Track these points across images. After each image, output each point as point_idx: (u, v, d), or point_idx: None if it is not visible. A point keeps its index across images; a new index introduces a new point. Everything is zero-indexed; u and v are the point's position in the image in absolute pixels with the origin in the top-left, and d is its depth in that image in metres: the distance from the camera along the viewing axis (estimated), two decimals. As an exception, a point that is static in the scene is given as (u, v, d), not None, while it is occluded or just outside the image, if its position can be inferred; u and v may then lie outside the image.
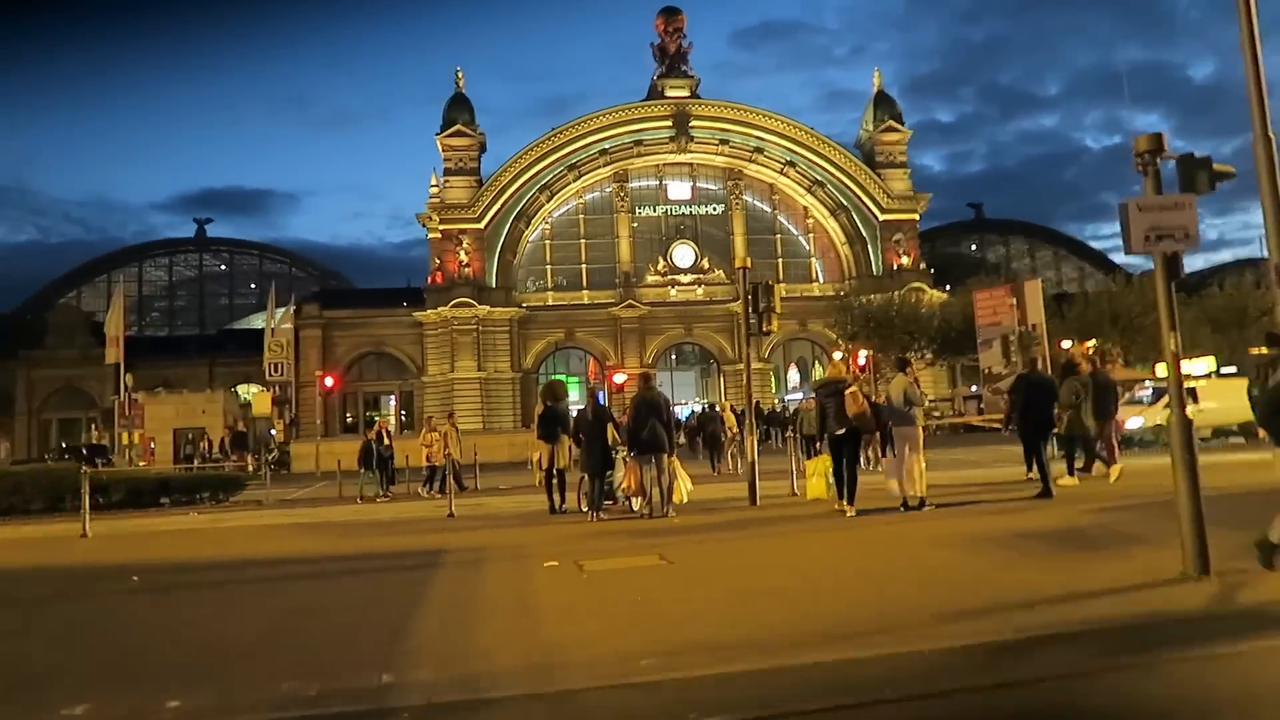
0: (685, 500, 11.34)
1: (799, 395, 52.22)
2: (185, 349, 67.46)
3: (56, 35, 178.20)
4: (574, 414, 12.17)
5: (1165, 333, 6.41)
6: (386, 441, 18.23)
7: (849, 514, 11.52)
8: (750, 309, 11.88)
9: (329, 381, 32.77)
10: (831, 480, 11.64)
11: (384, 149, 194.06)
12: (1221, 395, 21.98)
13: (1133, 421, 22.64)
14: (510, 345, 57.30)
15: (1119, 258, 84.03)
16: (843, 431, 11.76)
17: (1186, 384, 24.62)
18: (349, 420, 58.05)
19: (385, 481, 17.89)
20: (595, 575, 7.20)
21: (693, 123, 58.73)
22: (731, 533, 9.39)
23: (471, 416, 52.45)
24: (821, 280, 60.43)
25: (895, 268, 57.04)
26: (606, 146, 58.87)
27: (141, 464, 26.91)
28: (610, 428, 11.52)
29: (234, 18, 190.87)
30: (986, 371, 23.62)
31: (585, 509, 11.40)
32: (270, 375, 31.68)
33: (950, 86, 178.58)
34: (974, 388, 40.53)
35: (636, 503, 11.22)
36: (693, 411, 40.55)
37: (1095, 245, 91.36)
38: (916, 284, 54.09)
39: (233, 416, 35.34)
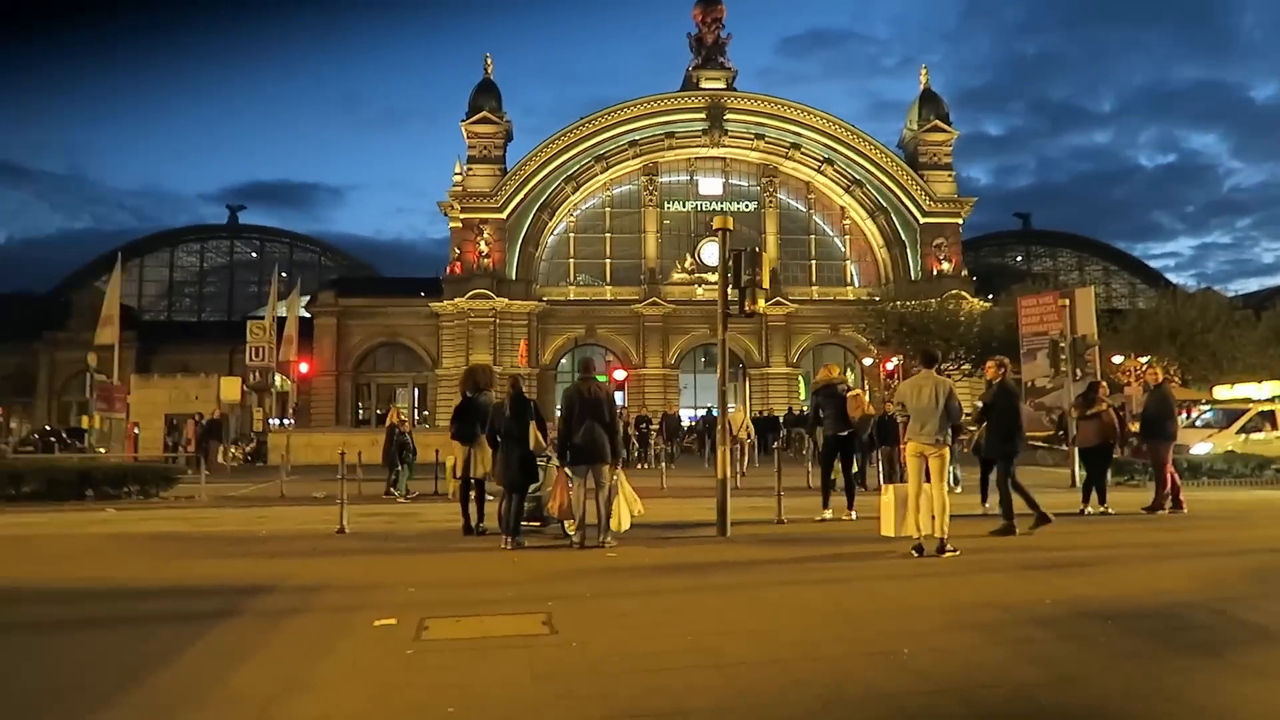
0: (627, 528, 8.83)
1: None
2: (208, 334, 66.99)
3: (117, 30, 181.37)
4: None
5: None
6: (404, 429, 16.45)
7: (845, 519, 10.27)
8: (730, 282, 9.44)
9: (304, 368, 30.89)
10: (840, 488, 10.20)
11: (430, 147, 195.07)
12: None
13: (1200, 447, 19.85)
14: (529, 339, 55.24)
15: (1175, 276, 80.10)
16: (845, 434, 10.39)
17: (1264, 407, 21.62)
18: (360, 413, 56.51)
19: (401, 478, 15.79)
20: (429, 649, 4.86)
21: (727, 116, 56.19)
22: (676, 580, 6.89)
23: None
24: (857, 284, 57.51)
25: (935, 273, 53.96)
26: (636, 138, 56.55)
27: (102, 451, 25.13)
28: (533, 428, 8.85)
29: (290, 16, 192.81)
30: (1030, 385, 20.81)
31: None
32: (251, 360, 29.81)
33: (1000, 100, 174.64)
34: (1015, 403, 37.47)
35: (570, 526, 8.78)
36: (700, 415, 38.33)
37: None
38: (957, 291, 50.96)
39: (218, 404, 33.62)
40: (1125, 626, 5.23)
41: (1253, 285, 62.08)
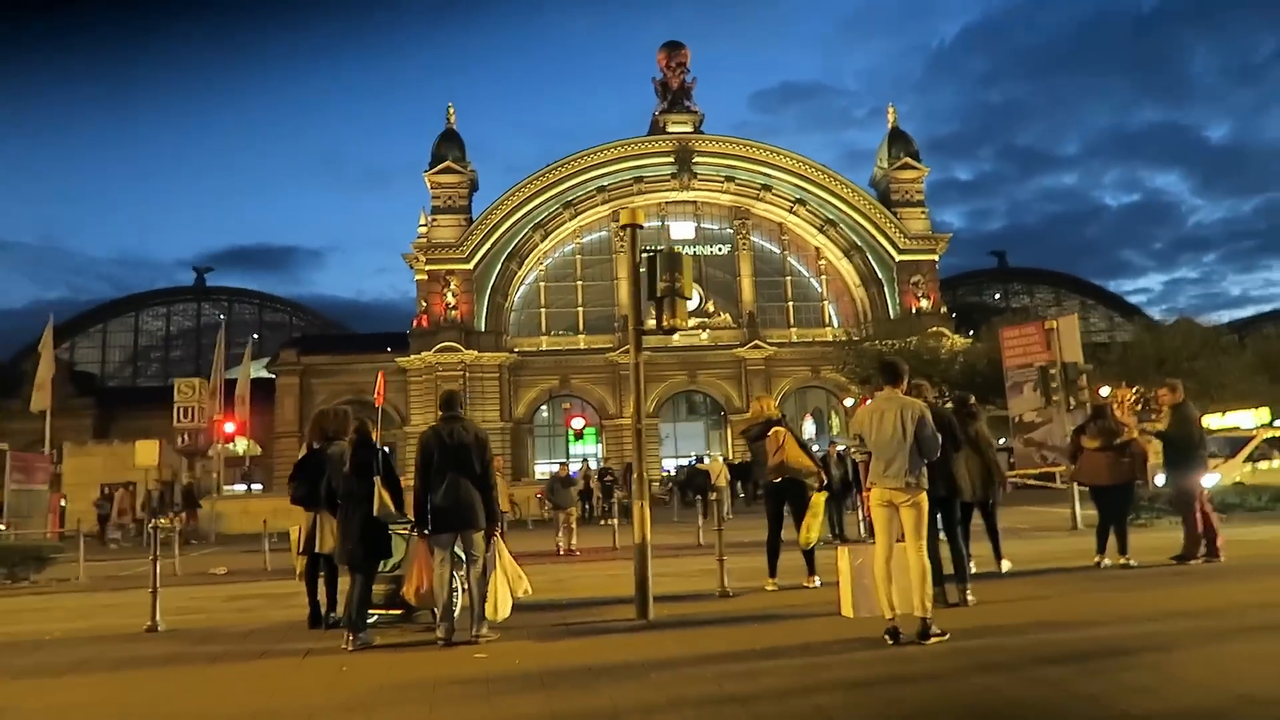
0: (506, 615, 6.67)
1: (816, 448, 47.56)
2: (167, 399, 64.52)
3: (93, 96, 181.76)
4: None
5: None
6: None
7: (808, 585, 8.74)
8: (646, 291, 7.54)
9: (229, 428, 28.60)
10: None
11: (411, 206, 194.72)
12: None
13: (1207, 479, 18.07)
14: (500, 393, 53.31)
15: (1149, 310, 79.30)
16: (778, 481, 8.74)
17: (1270, 434, 19.85)
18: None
19: None
20: None
21: (696, 159, 55.28)
22: (555, 699, 4.77)
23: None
24: (836, 324, 56.04)
25: (914, 311, 52.59)
26: (605, 183, 55.49)
27: (2, 528, 22.76)
28: (379, 487, 6.59)
29: (270, 80, 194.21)
30: (1017, 420, 19.10)
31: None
32: (179, 422, 27.64)
33: (969, 146, 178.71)
34: (1002, 440, 35.83)
35: (441, 614, 6.49)
36: (679, 466, 36.33)
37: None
38: (937, 328, 49.54)
39: (168, 469, 31.24)
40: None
41: (1226, 317, 61.26)
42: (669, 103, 57.35)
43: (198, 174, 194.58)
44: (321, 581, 7.38)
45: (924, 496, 6.06)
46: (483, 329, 53.49)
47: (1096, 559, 9.51)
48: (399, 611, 7.20)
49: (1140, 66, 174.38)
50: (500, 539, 6.81)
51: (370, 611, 6.93)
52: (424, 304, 54.06)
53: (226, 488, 36.34)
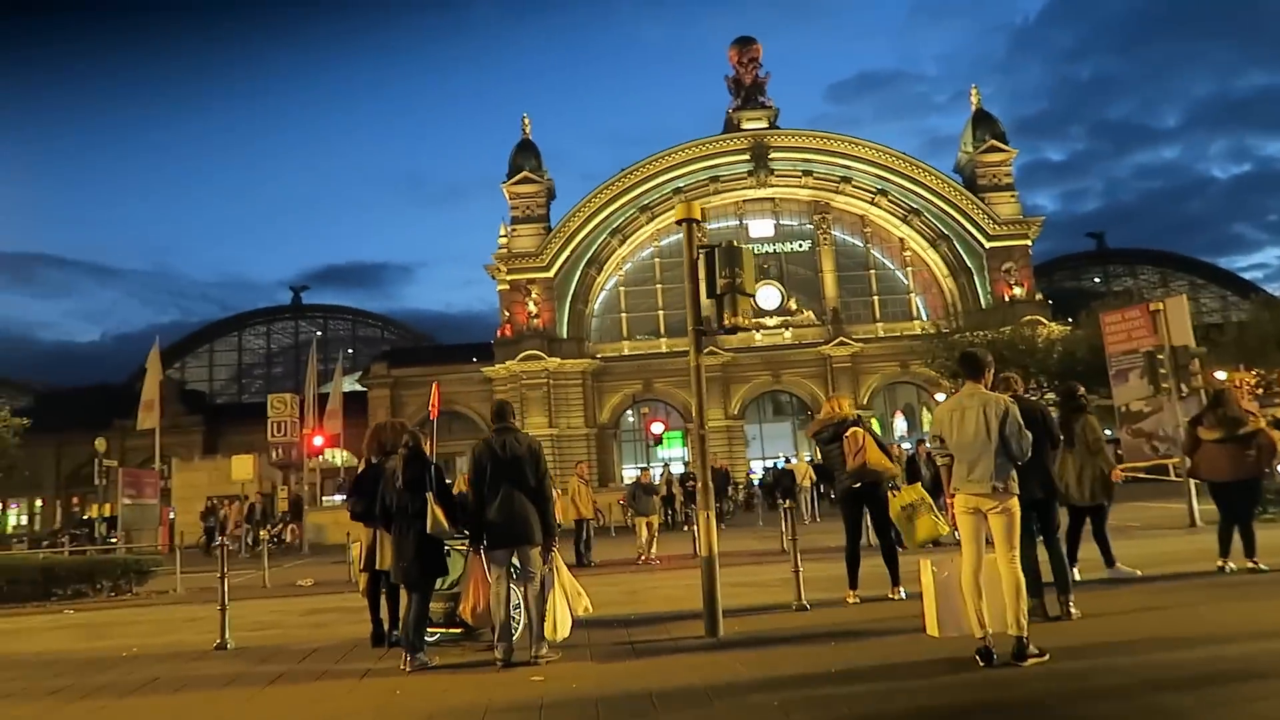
0: (565, 635, 6.42)
1: (908, 446, 46.17)
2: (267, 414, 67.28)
3: (195, 128, 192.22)
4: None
5: None
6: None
7: (893, 598, 8.14)
8: (706, 287, 7.11)
9: (318, 441, 29.38)
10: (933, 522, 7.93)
11: (493, 219, 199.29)
12: None
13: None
14: (584, 398, 53.53)
15: (1268, 287, 73.92)
16: (857, 486, 8.15)
17: None
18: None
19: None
20: None
21: (772, 155, 54.36)
22: None
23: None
24: (924, 317, 54.21)
25: (1007, 299, 50.40)
26: (680, 185, 55.12)
27: (114, 541, 23.89)
28: (432, 502, 6.27)
29: (350, 102, 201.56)
30: (1123, 409, 17.89)
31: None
32: (273, 436, 28.51)
33: (1059, 125, 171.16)
34: (1108, 431, 33.80)
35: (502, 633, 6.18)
36: (766, 468, 35.59)
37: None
38: (1032, 316, 47.31)
39: (268, 482, 32.38)
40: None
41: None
42: (742, 99, 56.66)
43: (293, 197, 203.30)
44: (384, 598, 7.25)
45: (1015, 502, 5.49)
46: (565, 336, 53.80)
47: (1220, 562, 8.63)
48: (459, 630, 6.99)
49: (1243, 29, 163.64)
50: (558, 554, 6.52)
51: (431, 630, 6.75)
52: (507, 314, 54.73)
53: (326, 499, 37.53)
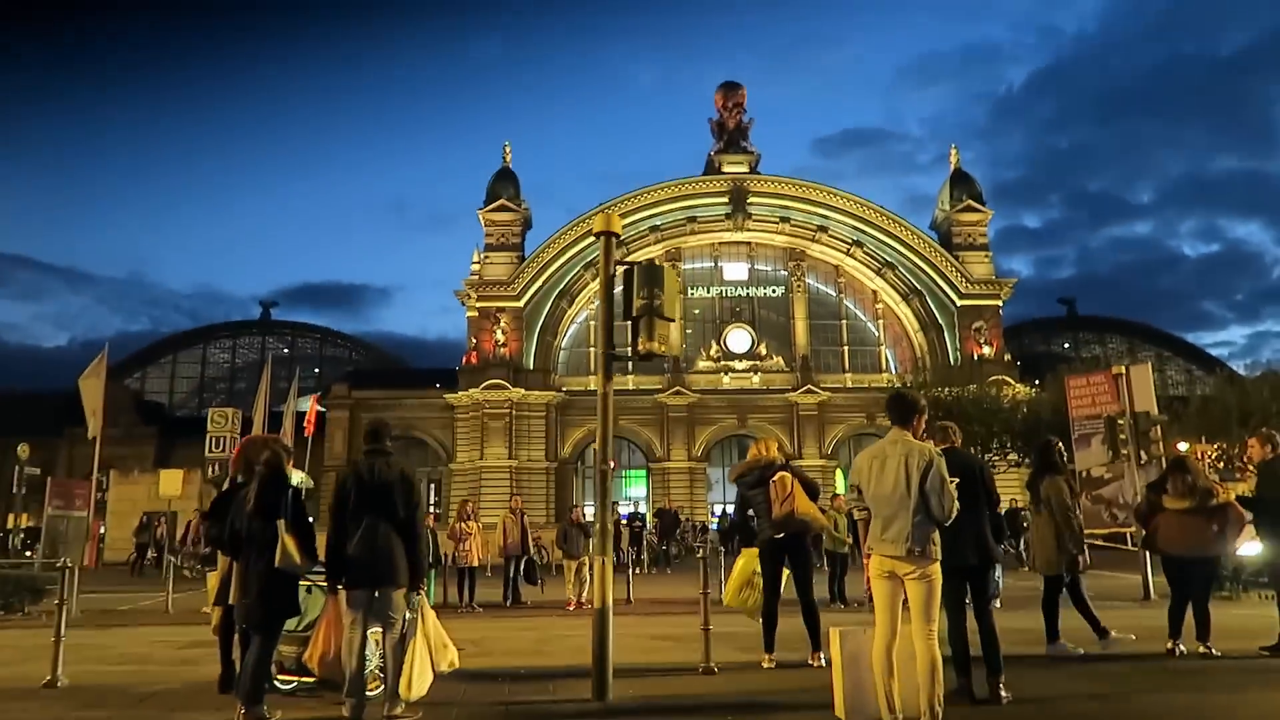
0: (422, 693, 5.58)
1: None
2: (230, 428, 65.69)
3: (175, 135, 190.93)
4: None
5: None
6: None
7: (814, 665, 7.26)
8: (623, 309, 6.36)
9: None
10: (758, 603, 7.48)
11: (471, 246, 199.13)
12: None
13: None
14: (546, 431, 52.64)
15: (1235, 364, 74.85)
16: (780, 536, 7.57)
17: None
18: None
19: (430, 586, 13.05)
20: None
21: (750, 199, 54.46)
22: None
23: (499, 509, 47.50)
24: (893, 370, 54.10)
25: (976, 358, 50.43)
26: (658, 223, 55.01)
27: (28, 555, 22.63)
28: (283, 531, 5.44)
29: (339, 125, 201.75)
30: (1084, 474, 17.35)
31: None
32: (210, 451, 27.37)
33: (1037, 193, 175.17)
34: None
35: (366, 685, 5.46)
36: (724, 511, 34.86)
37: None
38: (999, 376, 47.27)
39: (208, 500, 31.10)
40: None
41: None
42: (725, 143, 56.92)
43: (275, 214, 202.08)
44: (239, 637, 6.41)
45: (936, 569, 4.84)
46: (531, 367, 53.08)
47: (1169, 644, 8.02)
48: (312, 679, 6.11)
49: (1218, 112, 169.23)
50: (424, 600, 5.77)
51: (285, 679, 5.94)
52: (474, 340, 53.96)
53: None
